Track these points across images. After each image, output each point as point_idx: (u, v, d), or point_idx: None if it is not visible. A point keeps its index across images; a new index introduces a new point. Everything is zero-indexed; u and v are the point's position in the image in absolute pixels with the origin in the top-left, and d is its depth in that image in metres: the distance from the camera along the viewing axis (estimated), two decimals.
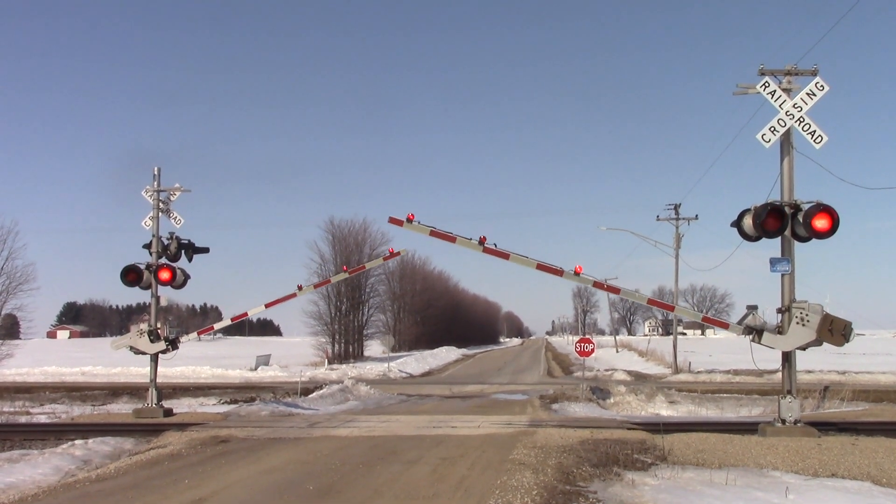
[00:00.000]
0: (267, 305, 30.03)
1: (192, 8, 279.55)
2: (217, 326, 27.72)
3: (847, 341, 15.51)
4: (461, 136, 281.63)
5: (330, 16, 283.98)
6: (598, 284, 20.21)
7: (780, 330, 15.89)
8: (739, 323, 16.51)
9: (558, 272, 18.28)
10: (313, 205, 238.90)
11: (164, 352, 22.21)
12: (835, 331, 15.41)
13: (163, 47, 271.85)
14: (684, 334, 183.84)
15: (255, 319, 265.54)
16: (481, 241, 17.86)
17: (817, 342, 15.63)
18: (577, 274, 18.08)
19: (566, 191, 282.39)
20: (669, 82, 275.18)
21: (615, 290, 20.97)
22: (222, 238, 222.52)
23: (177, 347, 22.62)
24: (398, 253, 23.41)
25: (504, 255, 18.79)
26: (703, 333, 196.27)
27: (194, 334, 26.41)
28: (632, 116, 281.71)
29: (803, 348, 15.83)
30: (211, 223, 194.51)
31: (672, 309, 22.81)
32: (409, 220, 18.38)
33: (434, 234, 19.18)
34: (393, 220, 19.08)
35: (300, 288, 23.25)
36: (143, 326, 22.35)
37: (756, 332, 16.31)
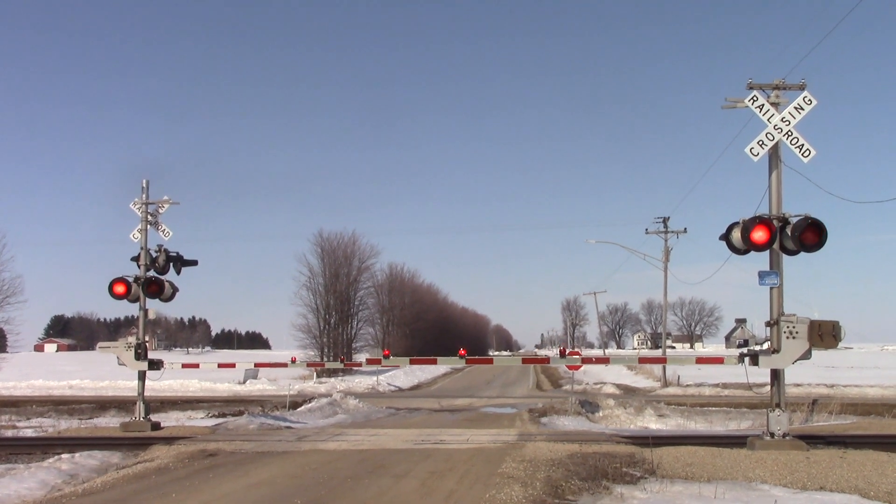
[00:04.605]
0: (257, 365, 31.08)
1: (186, 19, 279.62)
2: (203, 366, 27.87)
3: (839, 341, 15.56)
4: (452, 148, 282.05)
5: (326, 28, 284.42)
6: (586, 360, 21.76)
7: (773, 349, 15.91)
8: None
9: (545, 360, 20.31)
10: (304, 217, 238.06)
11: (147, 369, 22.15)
12: (824, 334, 15.47)
13: (154, 58, 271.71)
14: (673, 347, 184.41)
15: (243, 332, 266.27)
16: (461, 355, 19.07)
17: (808, 353, 15.67)
18: (562, 356, 19.48)
19: (555, 204, 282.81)
20: (658, 96, 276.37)
21: (605, 361, 22.70)
22: (212, 251, 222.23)
23: (160, 369, 22.50)
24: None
25: (488, 361, 20.51)
26: (692, 346, 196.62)
27: (178, 365, 26.21)
28: (621, 130, 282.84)
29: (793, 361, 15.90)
30: (200, 236, 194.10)
31: (665, 361, 23.41)
32: (386, 356, 20.48)
33: (414, 361, 21.42)
34: (371, 361, 22.19)
35: (293, 360, 25.94)
36: (132, 340, 22.23)
37: (750, 357, 16.40)
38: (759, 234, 15.54)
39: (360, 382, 55.77)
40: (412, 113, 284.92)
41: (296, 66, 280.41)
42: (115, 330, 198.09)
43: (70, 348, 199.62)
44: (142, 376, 22.22)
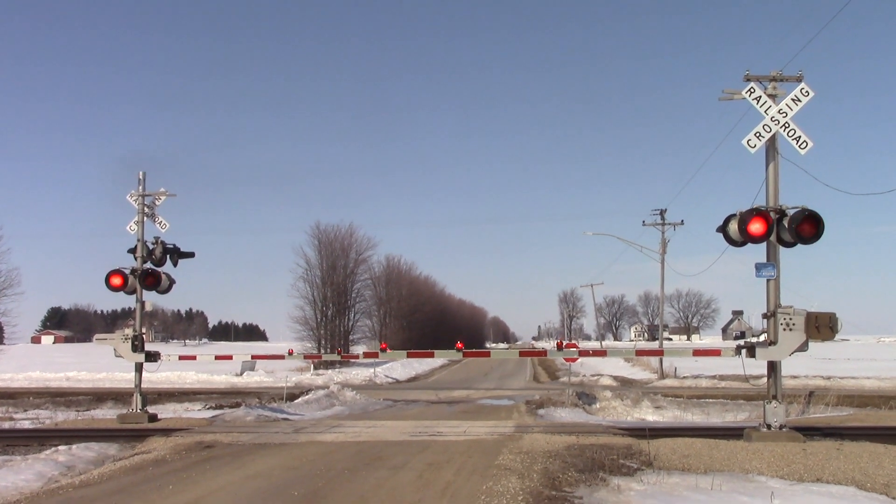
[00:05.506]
0: (254, 357, 31.17)
1: (182, 12, 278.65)
2: (199, 358, 27.91)
3: (836, 332, 15.55)
4: (450, 141, 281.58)
5: (323, 21, 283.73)
6: (583, 352, 22.00)
7: (770, 341, 15.91)
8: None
9: (542, 353, 20.91)
10: (302, 210, 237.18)
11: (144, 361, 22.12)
12: (821, 326, 15.47)
13: (152, 52, 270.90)
14: (670, 339, 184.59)
15: (240, 324, 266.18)
16: (459, 348, 19.66)
17: (805, 345, 15.68)
18: (559, 349, 19.80)
19: (553, 196, 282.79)
20: (655, 88, 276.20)
21: (602, 353, 23.24)
22: (209, 243, 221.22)
23: (157, 361, 22.48)
24: None
25: (485, 354, 21.51)
26: (688, 338, 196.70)
27: (175, 357, 26.20)
28: (618, 122, 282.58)
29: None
30: (198, 228, 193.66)
31: (662, 353, 23.65)
32: (384, 350, 21.31)
33: (412, 355, 22.17)
34: (368, 355, 24.77)
35: (291, 352, 25.42)
36: (128, 332, 22.23)
37: (747, 349, 16.40)
38: (756, 226, 15.53)
39: (358, 374, 55.75)
40: (410, 106, 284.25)
41: (293, 60, 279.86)
42: (112, 322, 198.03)
43: (67, 340, 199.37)
44: (139, 368, 22.20)
